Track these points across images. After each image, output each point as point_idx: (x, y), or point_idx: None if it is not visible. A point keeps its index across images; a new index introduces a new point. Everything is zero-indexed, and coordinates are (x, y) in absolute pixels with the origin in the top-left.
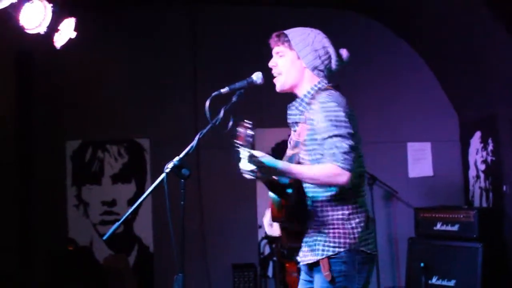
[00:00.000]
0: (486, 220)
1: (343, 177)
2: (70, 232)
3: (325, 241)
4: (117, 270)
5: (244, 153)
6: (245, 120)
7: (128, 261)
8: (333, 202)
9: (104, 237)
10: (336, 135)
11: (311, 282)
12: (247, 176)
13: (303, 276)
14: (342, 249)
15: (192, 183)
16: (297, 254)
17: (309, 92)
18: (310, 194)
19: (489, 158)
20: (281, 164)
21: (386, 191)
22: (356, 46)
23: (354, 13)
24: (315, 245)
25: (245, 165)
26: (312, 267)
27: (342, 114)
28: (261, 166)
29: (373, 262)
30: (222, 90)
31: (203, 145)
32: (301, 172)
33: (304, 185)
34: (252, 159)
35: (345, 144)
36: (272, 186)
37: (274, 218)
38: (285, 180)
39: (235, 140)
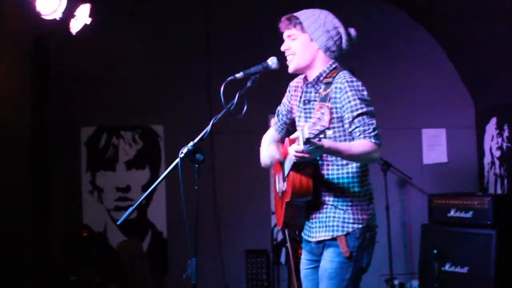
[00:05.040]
0: (500, 206)
1: (378, 152)
2: (85, 217)
3: (344, 218)
4: (131, 255)
5: (321, 135)
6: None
7: (142, 246)
8: (350, 179)
9: (118, 222)
10: (365, 113)
11: (316, 262)
12: (299, 156)
13: (306, 256)
14: (360, 225)
15: (206, 169)
16: (298, 230)
17: (324, 71)
18: (325, 171)
19: (504, 145)
20: (326, 142)
21: (400, 178)
22: (372, 31)
23: None
24: (331, 221)
25: (301, 147)
26: (322, 242)
27: (366, 92)
28: (317, 147)
29: (374, 240)
30: (237, 75)
31: (218, 131)
32: (344, 149)
33: (320, 162)
34: (310, 141)
35: (373, 121)
36: (294, 163)
37: (296, 195)
38: None
39: (320, 124)
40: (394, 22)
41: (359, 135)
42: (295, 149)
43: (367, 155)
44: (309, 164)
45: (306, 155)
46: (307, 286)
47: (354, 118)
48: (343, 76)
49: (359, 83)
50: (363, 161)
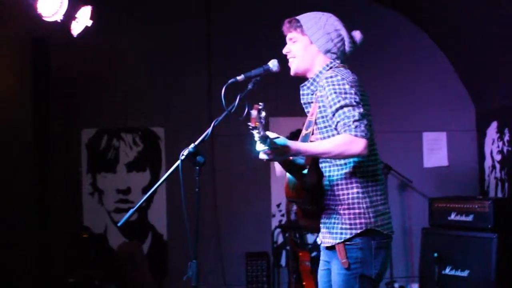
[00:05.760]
0: (501, 210)
1: (358, 144)
2: (85, 219)
3: (342, 224)
4: (131, 257)
5: (257, 134)
6: (258, 103)
7: (142, 248)
8: (348, 180)
9: (119, 223)
10: (344, 106)
11: (330, 264)
12: (262, 157)
13: (323, 256)
14: (358, 230)
15: (206, 171)
16: (315, 234)
17: (320, 72)
18: (326, 174)
19: (505, 148)
20: (293, 143)
21: (401, 181)
22: (372, 35)
23: (371, 0)
24: (333, 228)
25: (259, 147)
26: (329, 249)
27: (348, 86)
28: (274, 147)
29: (389, 247)
30: (238, 78)
31: (218, 133)
32: (313, 148)
33: (321, 164)
34: (265, 140)
35: (355, 113)
36: (289, 167)
37: (288, 198)
38: (300, 161)
39: (248, 123)
40: (395, 26)
41: (341, 129)
42: (257, 149)
43: (342, 149)
44: (299, 167)
45: (266, 155)
46: (321, 287)
47: (334, 113)
48: (326, 74)
49: (339, 77)
50: (343, 157)
